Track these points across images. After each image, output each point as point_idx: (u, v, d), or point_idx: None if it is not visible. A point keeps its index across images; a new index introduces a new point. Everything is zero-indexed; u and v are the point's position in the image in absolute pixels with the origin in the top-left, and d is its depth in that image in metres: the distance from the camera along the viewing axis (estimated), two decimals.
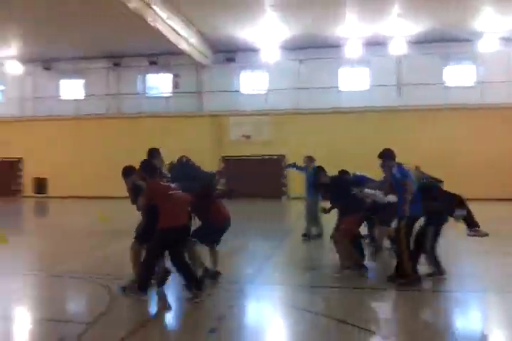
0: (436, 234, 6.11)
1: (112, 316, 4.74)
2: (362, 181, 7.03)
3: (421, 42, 19.35)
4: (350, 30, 18.29)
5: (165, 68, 22.44)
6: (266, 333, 4.57)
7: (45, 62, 22.99)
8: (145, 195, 5.27)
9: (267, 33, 18.71)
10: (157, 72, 22.89)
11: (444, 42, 19.45)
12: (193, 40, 18.23)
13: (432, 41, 19.34)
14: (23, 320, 4.88)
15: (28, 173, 23.32)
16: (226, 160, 21.57)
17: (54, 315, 4.88)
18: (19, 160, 23.48)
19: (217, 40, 19.98)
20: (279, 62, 20.72)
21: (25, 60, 22.79)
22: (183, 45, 17.62)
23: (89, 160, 22.38)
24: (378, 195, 6.67)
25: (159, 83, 23.23)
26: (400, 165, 5.95)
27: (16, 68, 23.05)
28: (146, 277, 5.31)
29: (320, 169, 7.34)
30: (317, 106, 20.59)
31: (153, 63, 22.14)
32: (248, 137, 21.01)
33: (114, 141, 22.28)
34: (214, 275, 5.92)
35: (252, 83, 22.28)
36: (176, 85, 22.55)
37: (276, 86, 21.33)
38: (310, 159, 9.59)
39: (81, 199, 21.41)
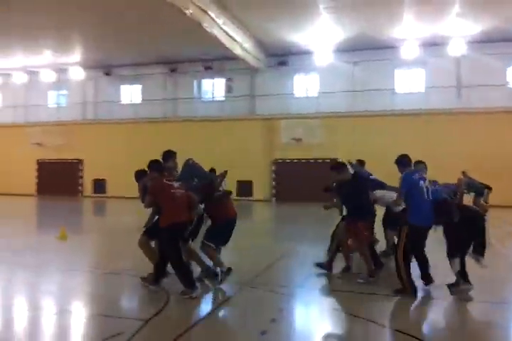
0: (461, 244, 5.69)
1: (167, 314, 4.86)
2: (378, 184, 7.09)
3: (482, 41, 18.57)
4: (407, 30, 17.87)
5: (219, 73, 22.85)
6: (316, 337, 4.55)
7: (106, 68, 24.08)
8: (149, 193, 5.61)
9: (320, 35, 18.64)
10: (212, 76, 23.35)
11: (507, 41, 18.60)
12: (247, 44, 18.46)
13: (493, 41, 18.53)
14: (82, 315, 5.06)
15: (88, 174, 24.44)
16: (277, 162, 21.67)
17: (112, 311, 5.09)
18: (80, 162, 24.65)
19: (270, 44, 20.15)
20: (332, 65, 20.57)
21: (88, 66, 24.00)
22: (237, 50, 17.89)
23: (146, 162, 23.06)
24: (387, 198, 6.56)
25: (213, 87, 23.68)
26: (411, 172, 5.77)
27: (78, 74, 24.31)
28: (186, 273, 5.54)
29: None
30: (371, 109, 20.25)
31: (208, 68, 22.62)
32: (299, 140, 20.99)
33: (170, 143, 22.73)
34: (228, 272, 5.95)
35: (304, 86, 22.24)
36: (229, 89, 22.93)
37: (328, 89, 21.19)
38: (360, 163, 9.41)
39: (138, 200, 22.08)
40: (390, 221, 7.14)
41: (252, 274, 6.53)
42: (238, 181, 20.85)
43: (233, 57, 19.66)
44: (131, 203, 20.97)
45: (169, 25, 16.72)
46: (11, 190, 24.66)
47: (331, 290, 6.10)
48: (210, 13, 14.56)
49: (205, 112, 22.92)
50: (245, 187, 21.20)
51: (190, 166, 6.35)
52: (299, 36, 18.91)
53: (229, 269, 5.93)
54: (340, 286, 6.17)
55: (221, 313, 5.15)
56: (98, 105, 24.80)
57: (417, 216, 5.54)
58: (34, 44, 20.18)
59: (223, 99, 23.19)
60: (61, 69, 24.58)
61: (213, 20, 15.04)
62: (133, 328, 4.32)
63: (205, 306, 5.49)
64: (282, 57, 21.62)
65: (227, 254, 6.82)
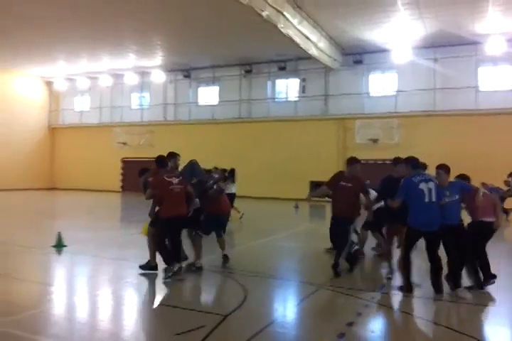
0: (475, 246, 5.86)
1: (246, 311, 5.01)
2: None
3: None
4: (492, 25, 16.83)
5: (293, 73, 22.91)
6: None
7: (185, 70, 25.01)
8: (150, 186, 6.36)
9: (398, 32, 18.07)
10: (285, 77, 23.46)
11: None
12: (322, 44, 18.34)
13: None
14: (164, 308, 5.31)
15: None
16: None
17: (192, 304, 5.34)
18: None
19: (345, 42, 19.87)
20: (411, 62, 19.87)
21: (168, 69, 25.10)
22: (312, 50, 17.84)
23: (223, 161, 23.70)
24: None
25: (287, 88, 23.78)
26: (414, 175, 5.77)
27: (159, 77, 25.51)
28: (165, 253, 6.35)
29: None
30: (453, 108, 19.31)
31: (282, 69, 22.76)
32: (375, 141, 20.51)
33: (245, 143, 23.42)
34: (225, 259, 7.07)
35: (380, 85, 21.68)
36: (302, 89, 22.93)
37: (406, 87, 20.47)
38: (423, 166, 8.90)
39: None
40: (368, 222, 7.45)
41: (328, 276, 6.54)
42: (311, 182, 20.80)
43: (307, 57, 19.62)
44: None
45: (246, 27, 17.04)
46: (98, 186, 26.47)
47: (410, 296, 5.94)
48: (285, 13, 14.63)
49: (278, 113, 23.10)
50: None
51: (193, 165, 7.04)
52: (375, 34, 18.46)
53: (200, 268, 6.74)
54: (421, 292, 6.00)
55: (298, 313, 5.20)
56: (177, 106, 25.85)
57: (414, 219, 5.63)
58: (119, 48, 21.46)
59: (297, 99, 23.22)
60: (143, 73, 25.95)
61: (288, 20, 15.09)
62: (213, 322, 4.50)
63: (282, 305, 5.59)
64: (358, 56, 21.20)
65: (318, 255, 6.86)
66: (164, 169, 6.54)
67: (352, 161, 6.82)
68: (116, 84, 27.23)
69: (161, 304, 5.44)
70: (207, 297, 6.02)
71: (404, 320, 5.07)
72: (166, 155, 6.84)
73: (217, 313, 4.81)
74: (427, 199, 5.60)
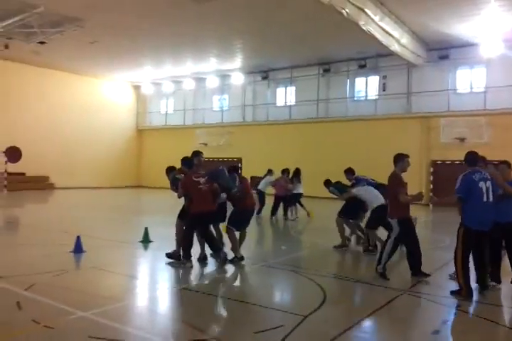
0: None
1: (325, 312, 4.96)
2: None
3: None
4: None
5: (373, 71, 22.32)
6: None
7: (264, 72, 25.31)
8: (181, 186, 7.04)
9: (488, 25, 16.94)
10: (365, 75, 22.91)
11: None
12: (404, 40, 17.68)
13: None
14: (244, 305, 5.38)
15: (246, 172, 25.96)
16: (436, 164, 20.37)
17: (271, 303, 5.40)
18: (239, 160, 26.36)
19: (429, 37, 19.00)
20: (502, 56, 18.52)
21: (247, 71, 25.56)
22: (394, 46, 17.28)
23: (300, 161, 23.71)
24: None
25: (366, 86, 23.20)
26: (473, 171, 5.63)
27: (238, 79, 26.05)
28: (187, 247, 6.96)
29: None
30: None
31: (362, 66, 22.26)
32: (462, 140, 19.40)
33: (323, 143, 23.22)
34: (241, 259, 7.31)
35: (468, 81, 20.46)
36: (383, 87, 22.25)
37: (497, 83, 19.13)
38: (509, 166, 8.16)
39: None
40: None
41: (410, 281, 6.31)
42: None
43: (389, 54, 19.03)
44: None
45: (325, 26, 16.91)
46: None
47: (499, 305, 5.57)
48: (366, 10, 14.31)
49: (357, 112, 22.61)
50: None
51: (219, 172, 7.33)
52: (462, 27, 17.44)
53: (241, 257, 7.26)
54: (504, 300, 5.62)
55: (379, 318, 5.06)
56: (255, 107, 26.24)
57: (469, 218, 5.49)
58: (202, 53, 22.23)
59: (377, 97, 22.57)
60: (224, 75, 26.64)
61: (369, 17, 14.74)
62: (292, 322, 4.51)
63: (363, 308, 5.47)
64: (443, 51, 20.15)
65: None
66: (191, 169, 7.15)
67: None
68: (199, 88, 28.23)
69: (241, 301, 5.53)
70: (285, 296, 6.06)
71: (494, 329, 4.76)
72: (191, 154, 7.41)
73: (296, 313, 4.82)
74: (484, 199, 5.46)
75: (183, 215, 7.32)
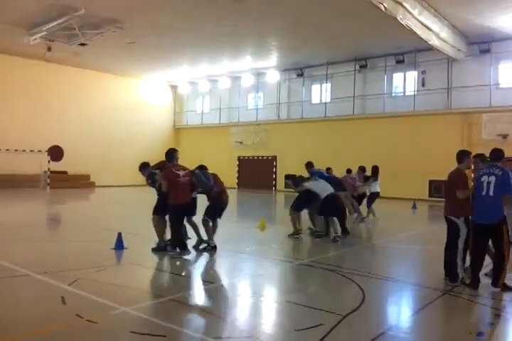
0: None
1: (364, 312, 4.88)
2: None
3: None
4: None
5: (411, 66, 21.81)
6: None
7: (299, 69, 25.17)
8: (163, 179, 7.35)
9: None
10: (403, 70, 22.42)
11: None
12: (444, 34, 17.19)
13: None
14: (279, 302, 5.38)
15: (281, 170, 25.97)
16: (477, 161, 19.70)
17: (311, 302, 5.37)
18: (274, 159, 26.36)
19: (469, 31, 18.43)
20: None
21: (282, 68, 25.52)
22: (433, 41, 16.82)
23: (335, 160, 23.50)
24: None
25: (405, 82, 22.69)
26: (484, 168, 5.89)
27: (274, 77, 26.02)
28: (177, 238, 7.44)
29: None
30: None
31: (399, 62, 21.80)
32: (505, 136, 18.70)
33: (359, 141, 22.90)
34: (213, 248, 8.04)
35: (510, 75, 19.67)
36: (422, 82, 21.70)
37: None
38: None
39: None
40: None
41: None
42: (430, 181, 19.68)
43: (428, 48, 18.56)
44: None
45: (362, 21, 16.68)
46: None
47: None
48: (404, 4, 13.98)
49: (395, 108, 22.16)
50: (438, 188, 19.63)
51: (197, 177, 7.89)
52: (503, 20, 16.80)
53: (215, 246, 8.01)
54: None
55: (420, 320, 4.94)
56: (290, 105, 26.14)
57: (474, 211, 5.76)
58: (237, 51, 22.33)
59: (415, 93, 22.01)
60: (259, 73, 26.67)
61: (408, 11, 14.40)
62: (332, 321, 4.47)
63: (403, 309, 5.38)
64: (484, 45, 19.47)
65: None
66: (172, 163, 7.55)
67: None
68: (234, 86, 28.38)
69: (282, 299, 5.54)
70: (325, 295, 6.01)
71: None
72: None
73: (336, 312, 4.78)
74: (482, 193, 5.64)
75: (158, 210, 7.80)
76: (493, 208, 5.59)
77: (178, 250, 7.52)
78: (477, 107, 19.67)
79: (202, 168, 8.35)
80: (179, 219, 7.58)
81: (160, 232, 7.84)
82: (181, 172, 7.44)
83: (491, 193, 5.56)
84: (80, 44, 19.44)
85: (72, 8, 16.02)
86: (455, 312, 5.16)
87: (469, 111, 19.97)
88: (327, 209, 9.20)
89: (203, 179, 7.93)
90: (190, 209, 7.83)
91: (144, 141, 29.19)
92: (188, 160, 31.96)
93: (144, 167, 8.16)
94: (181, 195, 7.37)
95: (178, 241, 7.53)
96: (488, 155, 6.29)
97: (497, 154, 5.88)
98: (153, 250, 7.81)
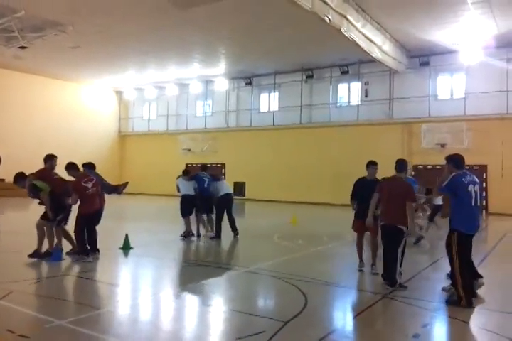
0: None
1: (306, 317, 4.92)
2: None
3: None
4: None
5: (355, 77, 22.54)
6: None
7: (247, 78, 25.37)
8: (73, 191, 7.58)
9: (467, 32, 17.28)
10: (348, 81, 23.13)
11: None
12: (386, 46, 17.93)
13: None
14: (222, 311, 5.35)
15: (230, 177, 25.94)
16: (417, 169, 20.58)
17: (252, 309, 5.36)
18: (222, 166, 26.32)
19: (410, 44, 19.34)
20: (482, 63, 18.88)
21: (231, 76, 25.63)
22: (375, 53, 17.49)
23: (283, 167, 23.83)
24: None
25: (349, 92, 23.41)
26: (462, 174, 5.59)
27: (222, 85, 26.06)
28: (82, 244, 7.67)
29: None
30: None
31: (344, 73, 22.48)
32: (443, 145, 19.67)
33: (306, 149, 23.34)
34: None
35: (448, 87, 20.79)
36: (365, 93, 22.47)
37: (477, 89, 19.47)
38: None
39: (274, 203, 22.92)
40: None
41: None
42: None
43: (371, 60, 19.27)
44: (267, 206, 21.88)
45: (308, 32, 17.08)
46: (163, 191, 27.32)
47: (481, 309, 5.60)
48: (348, 17, 14.47)
49: (340, 117, 22.79)
50: None
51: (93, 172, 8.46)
52: (443, 34, 17.78)
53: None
54: (489, 305, 5.66)
55: (360, 323, 5.06)
56: (239, 113, 26.26)
57: (460, 222, 5.44)
58: (185, 58, 22.21)
59: (359, 103, 22.77)
60: (207, 81, 26.65)
61: (352, 24, 14.91)
62: (273, 328, 4.48)
63: (344, 313, 5.48)
64: (424, 58, 20.50)
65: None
66: (77, 173, 7.95)
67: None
68: (182, 93, 28.18)
69: (222, 307, 5.50)
70: (266, 302, 6.02)
71: (477, 334, 4.79)
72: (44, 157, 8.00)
73: (277, 319, 4.79)
74: (473, 203, 5.45)
75: (45, 216, 7.72)
76: (479, 218, 5.68)
77: (84, 255, 7.65)
78: (417, 117, 20.62)
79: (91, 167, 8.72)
80: (87, 226, 7.76)
81: (41, 235, 7.74)
82: (89, 184, 7.75)
83: (479, 203, 5.57)
84: (20, 47, 18.66)
85: (11, 10, 15.37)
86: (393, 315, 5.31)
87: (410, 121, 20.88)
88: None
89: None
90: (99, 217, 8.01)
91: (87, 148, 28.19)
92: (133, 167, 31.50)
93: (21, 178, 7.76)
94: (92, 204, 7.72)
95: (84, 248, 7.70)
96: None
97: (461, 160, 5.77)
98: (35, 255, 7.63)
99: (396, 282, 6.09)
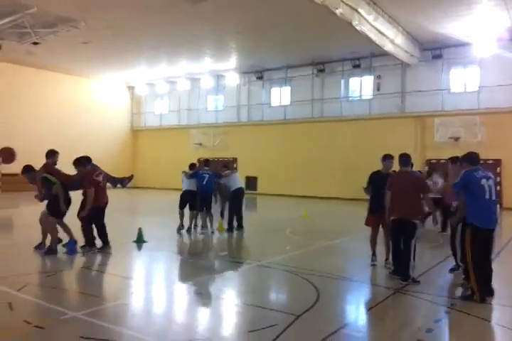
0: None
1: (318, 311, 4.95)
2: None
3: None
4: None
5: (367, 70, 22.35)
6: None
7: (258, 72, 25.28)
8: (88, 185, 7.81)
9: (481, 24, 17.01)
10: (360, 75, 22.94)
11: None
12: (398, 39, 17.72)
13: None
14: (234, 304, 5.39)
15: (241, 172, 25.94)
16: (430, 163, 20.41)
17: (265, 303, 5.39)
18: (234, 160, 26.35)
19: (423, 37, 19.07)
20: (496, 56, 18.57)
21: (242, 71, 25.55)
22: (387, 46, 17.31)
23: (295, 162, 23.80)
24: None
25: (361, 86, 23.22)
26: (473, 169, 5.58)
27: (233, 79, 26.02)
28: (90, 236, 7.94)
29: None
30: None
31: (356, 66, 22.29)
32: (457, 139, 19.46)
33: (317, 143, 23.25)
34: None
35: (462, 80, 20.50)
36: (377, 87, 22.28)
37: (491, 82, 19.17)
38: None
39: (285, 197, 22.93)
40: None
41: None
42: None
43: (383, 54, 19.08)
44: (278, 200, 21.88)
45: (319, 26, 16.93)
46: (176, 185, 27.49)
47: (495, 304, 5.56)
48: (360, 10, 14.32)
49: (352, 112, 22.63)
50: None
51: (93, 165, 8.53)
52: (456, 27, 17.50)
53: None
54: (503, 300, 5.62)
55: (372, 317, 5.06)
56: (250, 108, 26.22)
57: (475, 216, 5.41)
58: (196, 53, 22.20)
59: (371, 97, 22.59)
60: (218, 76, 26.63)
61: (363, 17, 14.75)
62: (285, 322, 4.51)
63: (356, 308, 5.49)
64: (437, 51, 20.19)
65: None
66: (86, 168, 8.12)
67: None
68: (193, 88, 28.20)
69: (235, 301, 5.54)
70: (279, 295, 6.05)
71: (491, 329, 4.77)
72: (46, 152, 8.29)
73: (289, 313, 4.82)
74: (487, 196, 5.43)
75: (52, 212, 7.79)
76: (496, 212, 5.65)
77: (92, 247, 7.93)
78: (430, 111, 20.39)
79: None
80: (95, 220, 8.01)
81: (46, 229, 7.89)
82: (100, 178, 8.09)
83: (493, 197, 5.52)
84: (33, 43, 18.78)
85: (24, 6, 15.46)
86: (406, 310, 5.30)
87: (422, 114, 20.66)
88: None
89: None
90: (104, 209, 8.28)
91: (100, 143, 28.45)
92: (146, 162, 31.68)
93: (29, 170, 7.82)
94: (103, 197, 8.06)
95: (92, 240, 7.99)
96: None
97: (475, 157, 5.76)
98: (39, 249, 7.87)
99: (409, 276, 6.07)
